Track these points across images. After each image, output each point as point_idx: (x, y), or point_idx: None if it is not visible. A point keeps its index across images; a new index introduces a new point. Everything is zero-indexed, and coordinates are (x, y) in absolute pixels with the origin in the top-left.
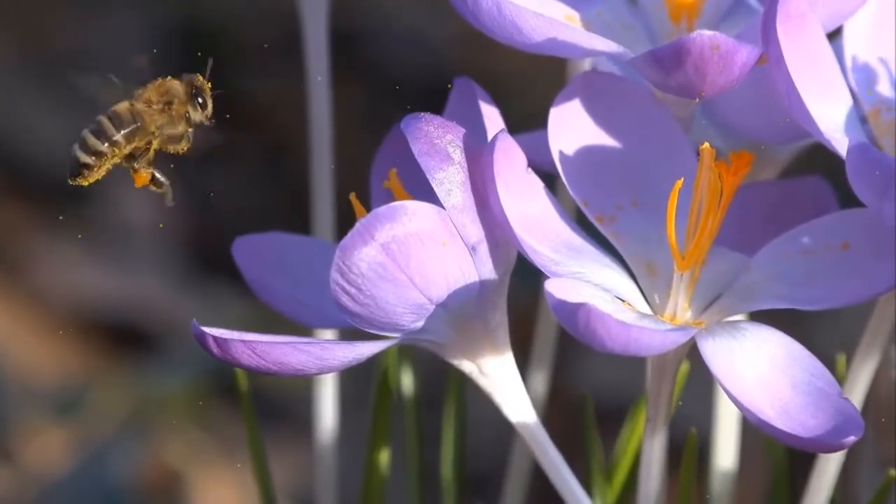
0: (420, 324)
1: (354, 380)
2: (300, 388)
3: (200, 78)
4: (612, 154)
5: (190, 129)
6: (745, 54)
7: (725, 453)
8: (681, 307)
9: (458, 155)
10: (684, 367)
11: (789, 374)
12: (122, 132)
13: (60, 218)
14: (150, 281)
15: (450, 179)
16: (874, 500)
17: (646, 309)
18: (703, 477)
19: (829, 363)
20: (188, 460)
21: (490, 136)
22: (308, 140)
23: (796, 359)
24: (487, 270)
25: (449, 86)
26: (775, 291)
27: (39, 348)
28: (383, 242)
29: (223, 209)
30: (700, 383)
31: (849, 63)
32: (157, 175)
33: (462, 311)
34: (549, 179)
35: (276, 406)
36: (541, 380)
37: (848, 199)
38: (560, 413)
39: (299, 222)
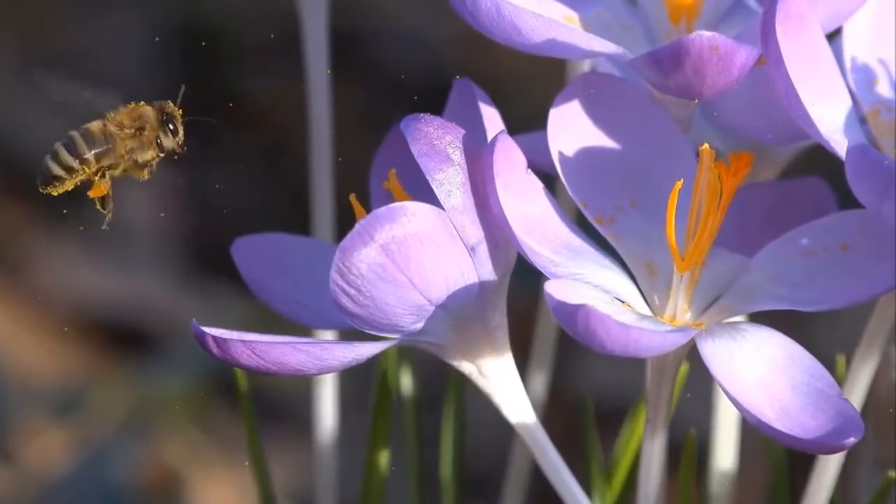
0: (419, 325)
1: (354, 380)
2: (300, 389)
3: (171, 105)
4: (612, 155)
5: (160, 156)
6: (744, 55)
7: (725, 454)
8: (680, 308)
9: (457, 156)
10: (684, 368)
11: (789, 375)
12: (93, 152)
13: (65, 211)
14: (150, 281)
15: (449, 180)
16: (873, 501)
17: (645, 310)
18: (702, 478)
19: (829, 364)
20: (188, 460)
21: (490, 137)
22: (308, 140)
23: (796, 360)
24: (487, 271)
25: (449, 86)
26: (775, 292)
27: (39, 348)
28: (383, 243)
29: (223, 209)
30: (700, 384)
31: (848, 64)
32: (110, 195)
33: (461, 312)
34: (549, 180)
35: (275, 406)
36: (540, 381)
37: (847, 200)
38: (560, 414)
39: (299, 222)
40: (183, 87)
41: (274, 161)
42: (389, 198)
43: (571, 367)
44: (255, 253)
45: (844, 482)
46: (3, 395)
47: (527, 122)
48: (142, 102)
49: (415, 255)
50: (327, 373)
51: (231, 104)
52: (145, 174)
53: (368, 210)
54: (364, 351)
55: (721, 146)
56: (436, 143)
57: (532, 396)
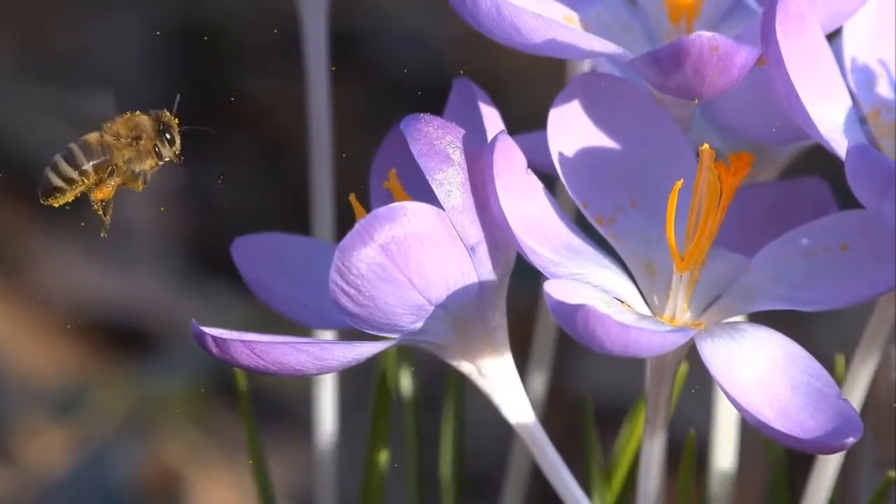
0: (419, 325)
1: (354, 380)
2: (299, 389)
3: (168, 114)
4: (612, 155)
5: (158, 164)
6: (744, 55)
7: (724, 454)
8: (680, 308)
9: (457, 156)
10: (683, 368)
11: (788, 375)
12: (92, 163)
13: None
14: (150, 281)
15: (449, 180)
16: (873, 501)
17: (645, 310)
18: (702, 478)
19: (829, 364)
20: (188, 460)
21: (490, 137)
22: (308, 140)
23: (795, 360)
24: (486, 271)
25: (449, 86)
26: (775, 292)
27: (39, 348)
28: (382, 243)
29: (223, 209)
30: (699, 384)
31: (848, 64)
32: (111, 202)
33: (461, 312)
34: (549, 180)
35: (275, 406)
36: (540, 381)
37: (847, 201)
38: (559, 414)
39: (299, 222)
40: (179, 96)
41: (274, 161)
42: (389, 198)
43: (571, 367)
44: (254, 253)
45: (844, 482)
46: (3, 395)
47: (527, 122)
48: (138, 112)
49: (414, 255)
50: (327, 373)
51: (231, 104)
52: (140, 185)
53: (368, 210)
54: (364, 351)
55: (721, 146)
56: (436, 143)
57: (531, 396)
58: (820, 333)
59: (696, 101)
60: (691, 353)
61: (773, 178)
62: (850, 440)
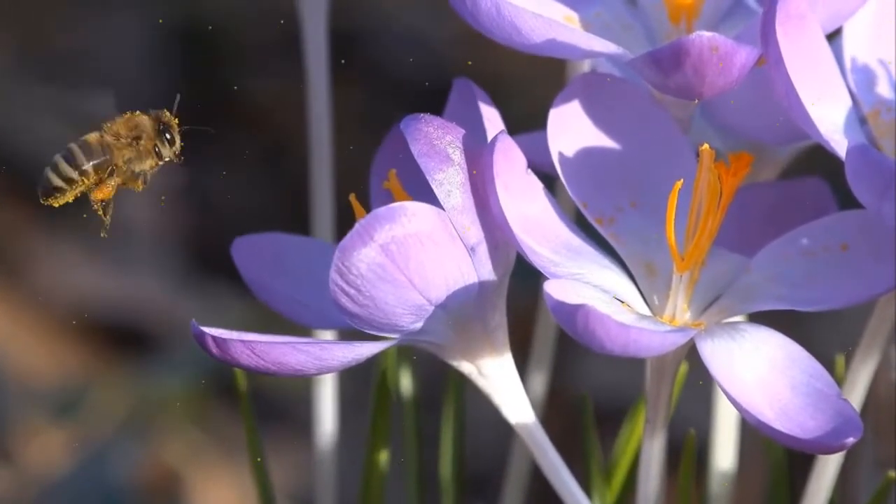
0: (419, 325)
1: (354, 380)
2: (299, 389)
3: (168, 114)
4: (612, 155)
5: (159, 163)
6: (744, 55)
7: (724, 454)
8: (680, 308)
9: (457, 156)
10: (683, 368)
11: (788, 375)
12: (91, 163)
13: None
14: (149, 281)
15: (449, 180)
16: (873, 501)
17: (645, 310)
18: (702, 478)
19: (829, 364)
20: (188, 460)
21: (489, 137)
22: (308, 140)
23: (795, 360)
24: (487, 271)
25: (449, 86)
26: (775, 292)
27: (39, 348)
28: (382, 243)
29: (223, 209)
30: (699, 384)
31: (848, 64)
32: (111, 202)
33: (461, 312)
34: (549, 180)
35: (275, 406)
36: (540, 381)
37: (847, 200)
38: (559, 414)
39: (299, 222)
40: (178, 96)
41: (274, 161)
42: (389, 198)
43: (571, 367)
44: (254, 253)
45: (844, 482)
46: (3, 395)
47: (527, 122)
48: (137, 112)
49: (414, 255)
50: (327, 373)
51: (231, 104)
52: (140, 185)
53: (368, 210)
54: (364, 351)
55: (721, 146)
56: (436, 143)
57: (531, 396)
58: (820, 333)
59: (696, 101)
60: (691, 353)
61: (773, 178)
62: (850, 440)
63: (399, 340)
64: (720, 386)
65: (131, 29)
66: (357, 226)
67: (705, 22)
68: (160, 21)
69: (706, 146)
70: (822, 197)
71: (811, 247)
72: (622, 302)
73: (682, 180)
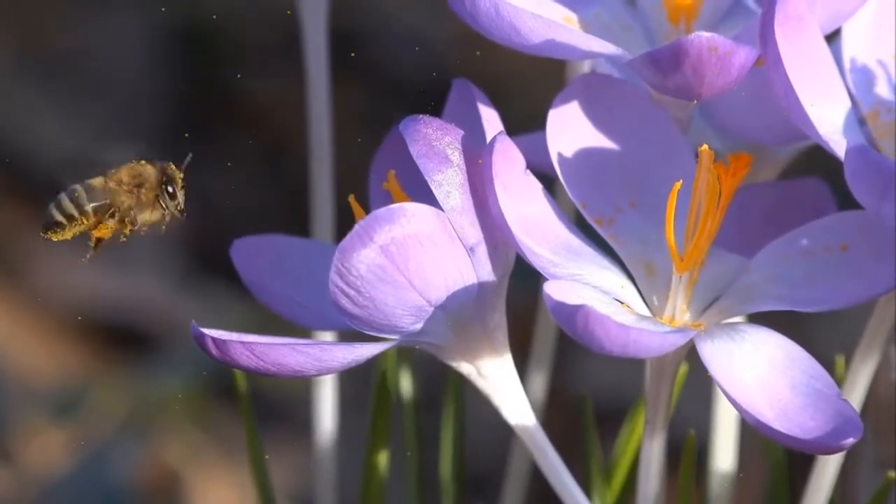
0: (419, 326)
1: (353, 381)
2: (299, 390)
3: (173, 167)
4: (611, 156)
5: (164, 216)
6: (743, 56)
7: (724, 455)
8: (679, 309)
9: (456, 157)
10: (683, 368)
11: (788, 375)
12: (92, 205)
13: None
14: (149, 281)
15: (448, 181)
16: (873, 501)
17: (644, 311)
18: (701, 478)
19: (829, 364)
20: (188, 461)
21: (489, 138)
22: (308, 140)
23: (795, 360)
24: (486, 272)
25: (449, 86)
26: (774, 293)
27: (39, 349)
28: (382, 244)
29: (223, 209)
30: (699, 385)
31: (847, 65)
32: (103, 241)
33: (461, 312)
34: (548, 181)
35: (275, 407)
36: (540, 381)
37: (847, 200)
38: (559, 414)
39: (299, 222)
40: (190, 156)
41: (274, 161)
42: (389, 198)
43: (571, 367)
44: (254, 254)
45: (844, 482)
46: (3, 395)
47: (526, 122)
48: (143, 161)
49: (414, 257)
50: (327, 374)
51: (231, 104)
52: (127, 230)
53: (368, 211)
54: (363, 352)
55: (720, 147)
56: (435, 144)
57: (531, 397)
58: (820, 333)
59: (695, 101)
60: (691, 353)
61: (773, 178)
62: (850, 440)
63: (399, 341)
64: (720, 386)
65: (131, 29)
66: (356, 227)
67: (704, 22)
68: (163, 10)
69: (705, 147)
70: (821, 197)
71: (811, 247)
72: (622, 303)
73: (681, 181)
